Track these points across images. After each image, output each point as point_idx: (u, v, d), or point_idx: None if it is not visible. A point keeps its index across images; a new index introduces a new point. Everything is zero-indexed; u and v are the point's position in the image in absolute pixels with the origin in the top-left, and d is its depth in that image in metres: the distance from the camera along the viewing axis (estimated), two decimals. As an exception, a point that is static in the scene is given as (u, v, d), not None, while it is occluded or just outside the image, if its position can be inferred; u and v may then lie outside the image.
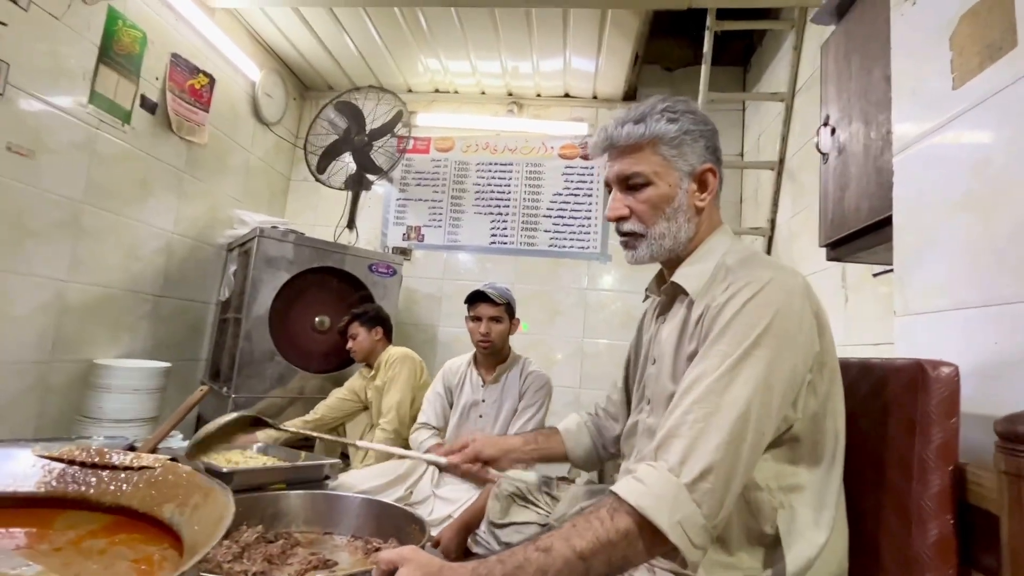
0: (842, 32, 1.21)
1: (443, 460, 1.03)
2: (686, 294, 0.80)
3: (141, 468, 0.80)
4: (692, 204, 0.83)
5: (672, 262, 0.86)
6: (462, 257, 3.21)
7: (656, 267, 0.92)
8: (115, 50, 2.07)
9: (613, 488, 0.62)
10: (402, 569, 0.60)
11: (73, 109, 1.94)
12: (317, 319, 2.50)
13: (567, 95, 3.25)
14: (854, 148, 1.10)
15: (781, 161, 2.31)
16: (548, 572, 0.57)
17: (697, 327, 0.75)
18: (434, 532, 1.39)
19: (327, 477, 1.47)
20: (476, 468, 1.03)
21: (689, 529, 0.58)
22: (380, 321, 2.25)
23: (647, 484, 0.60)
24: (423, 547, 0.97)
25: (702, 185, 0.83)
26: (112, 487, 0.78)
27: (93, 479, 0.78)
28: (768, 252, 2.41)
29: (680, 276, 0.82)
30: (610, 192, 0.87)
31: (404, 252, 3.17)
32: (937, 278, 0.81)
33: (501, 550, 1.06)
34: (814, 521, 0.69)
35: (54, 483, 0.78)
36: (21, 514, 0.73)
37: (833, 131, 1.19)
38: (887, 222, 0.95)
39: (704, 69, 2.32)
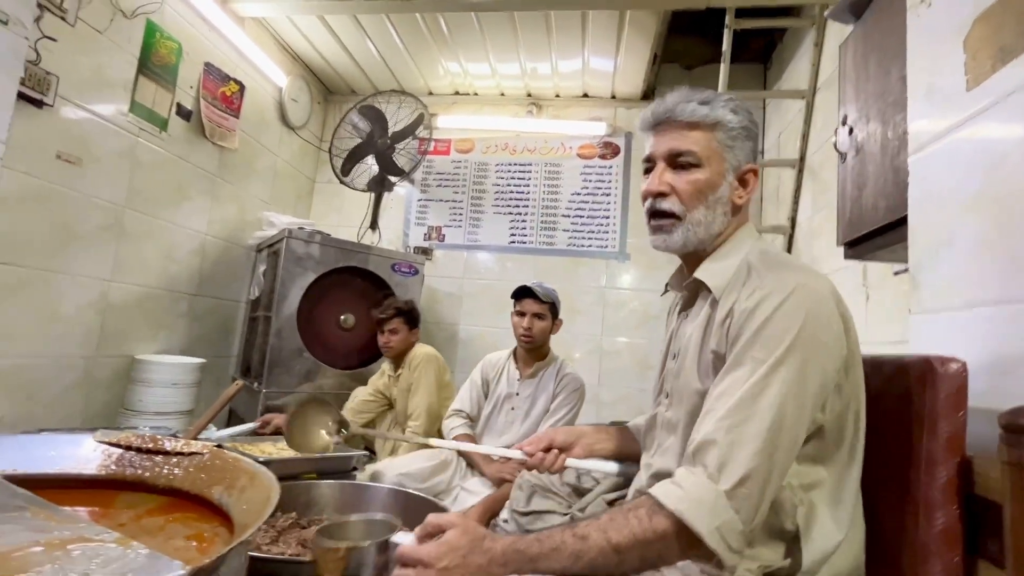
0: (860, 32, 1.22)
1: (518, 454, 0.97)
2: (709, 291, 0.80)
3: (191, 454, 0.86)
4: (731, 199, 0.82)
5: (696, 256, 0.84)
6: (482, 256, 3.27)
7: (675, 262, 0.91)
8: (153, 61, 2.17)
9: (652, 491, 0.63)
10: (450, 531, 0.64)
11: (115, 118, 2.05)
12: (342, 317, 2.58)
13: (585, 95, 3.27)
14: (871, 148, 1.11)
15: (802, 159, 2.30)
16: (582, 558, 0.60)
17: (722, 327, 0.74)
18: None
19: (355, 468, 1.54)
20: (552, 457, 0.96)
21: (727, 535, 0.60)
22: (418, 322, 2.27)
23: (685, 489, 0.62)
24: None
25: (743, 183, 0.83)
26: (165, 471, 0.84)
27: (148, 463, 0.85)
28: (788, 250, 2.40)
29: (704, 272, 0.81)
30: (647, 172, 0.85)
31: (425, 252, 3.24)
32: (951, 277, 0.83)
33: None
34: (832, 517, 0.70)
35: (113, 466, 0.85)
36: (85, 494, 0.80)
37: (851, 131, 1.20)
38: (904, 221, 0.96)
39: (723, 67, 2.32)
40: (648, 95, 3.17)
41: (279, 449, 1.68)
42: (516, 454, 0.97)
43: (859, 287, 1.72)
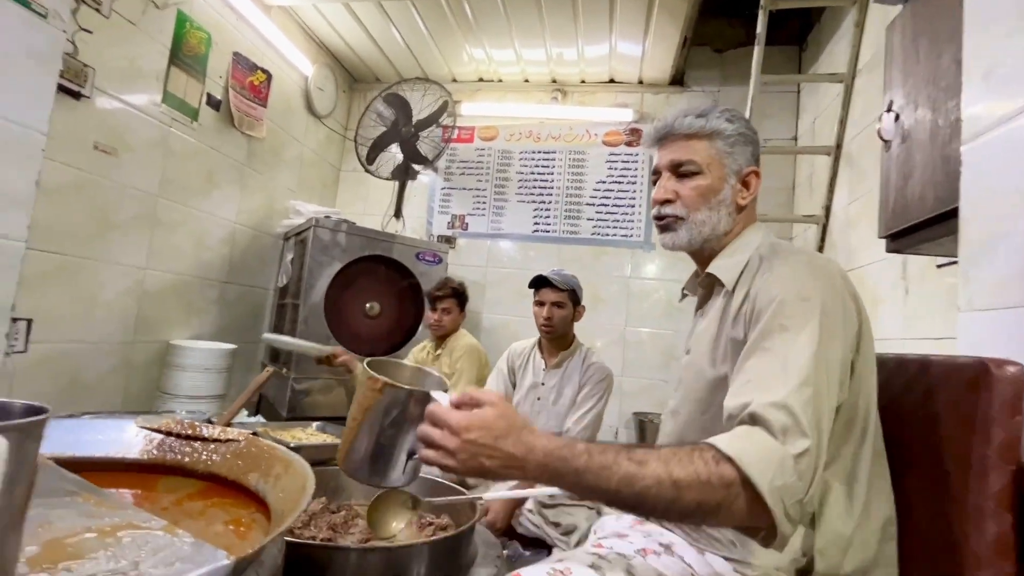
0: (909, 13, 1.16)
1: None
2: (722, 285, 0.84)
3: (227, 441, 0.89)
4: (735, 200, 0.87)
5: (706, 255, 0.89)
6: (505, 245, 3.26)
7: (691, 267, 0.96)
8: (184, 51, 2.20)
9: (713, 440, 0.61)
10: (487, 408, 0.63)
11: (148, 109, 2.09)
12: (368, 305, 2.61)
13: (612, 80, 3.20)
14: (919, 135, 1.06)
15: (839, 146, 2.21)
16: (635, 484, 0.58)
17: (740, 313, 0.77)
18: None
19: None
20: None
21: (787, 498, 0.58)
22: (466, 304, 2.28)
23: (752, 442, 0.59)
24: (474, 525, 1.02)
25: (745, 185, 0.88)
26: (203, 456, 0.87)
27: (187, 449, 0.88)
28: (822, 241, 2.32)
29: (715, 267, 0.86)
30: (654, 183, 0.92)
31: (449, 240, 3.24)
32: (1006, 273, 0.79)
33: (549, 529, 1.10)
34: (846, 495, 0.70)
35: (155, 451, 0.88)
36: (129, 477, 0.83)
37: (897, 117, 1.14)
38: (953, 213, 0.91)
39: (757, 50, 2.23)
40: (677, 80, 3.08)
41: (308, 435, 1.72)
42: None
43: (897, 281, 1.66)
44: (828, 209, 2.29)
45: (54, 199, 1.78)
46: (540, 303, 1.89)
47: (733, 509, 0.58)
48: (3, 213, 1.33)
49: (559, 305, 1.87)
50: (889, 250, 1.18)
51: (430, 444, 0.64)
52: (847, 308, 0.72)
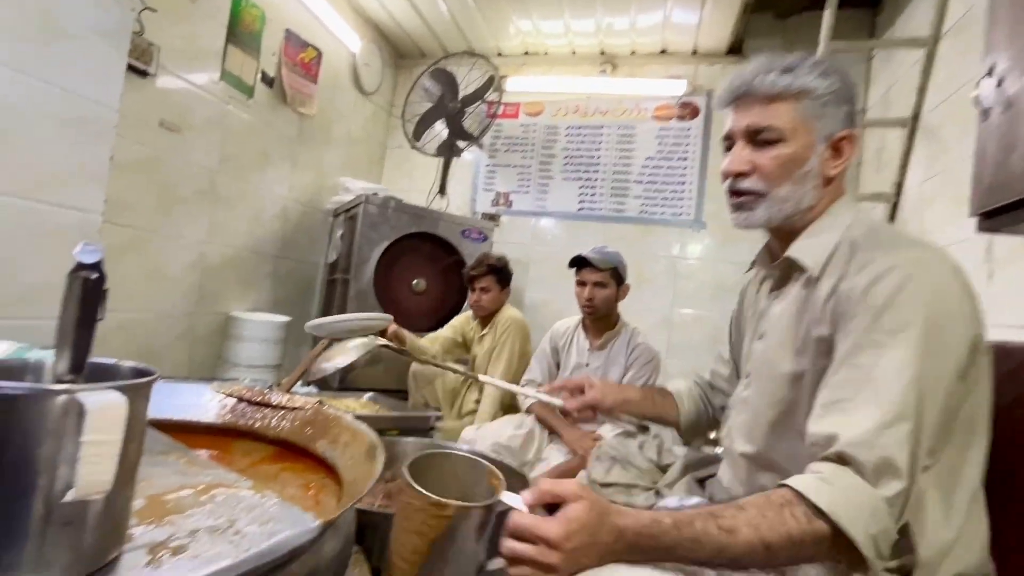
0: (1020, -37, 1.03)
1: (558, 401, 1.02)
2: (803, 270, 0.75)
3: (295, 409, 0.92)
4: (823, 171, 0.76)
5: (785, 232, 0.79)
6: (550, 223, 3.22)
7: (746, 244, 0.88)
8: (240, 29, 2.24)
9: (802, 489, 0.58)
10: (575, 505, 0.56)
11: (208, 86, 2.15)
12: (414, 281, 2.64)
13: (664, 51, 3.06)
14: (1026, 102, 0.95)
15: (915, 117, 2.05)
16: (726, 553, 0.57)
17: (824, 308, 0.69)
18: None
19: (432, 428, 1.60)
20: (588, 415, 1.03)
21: (882, 542, 0.56)
22: (510, 279, 2.16)
23: (841, 490, 0.57)
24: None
25: (837, 152, 0.76)
26: (274, 423, 0.90)
27: (259, 415, 0.91)
28: (891, 220, 2.18)
29: (797, 250, 0.76)
30: (728, 150, 0.80)
31: (493, 218, 3.23)
32: None
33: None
34: (942, 500, 0.65)
35: (229, 415, 0.92)
36: (205, 439, 0.87)
37: (1000, 82, 1.03)
38: (1066, 189, 0.82)
39: (827, 14, 2.08)
40: (735, 49, 2.92)
41: (361, 405, 1.77)
42: (556, 402, 1.03)
43: (980, 264, 1.53)
44: (899, 186, 2.14)
45: (126, 175, 1.86)
46: (581, 283, 1.85)
47: (822, 555, 0.58)
48: (82, 188, 1.40)
49: (601, 285, 1.82)
50: (982, 229, 1.08)
51: (524, 562, 0.55)
52: (962, 314, 0.63)
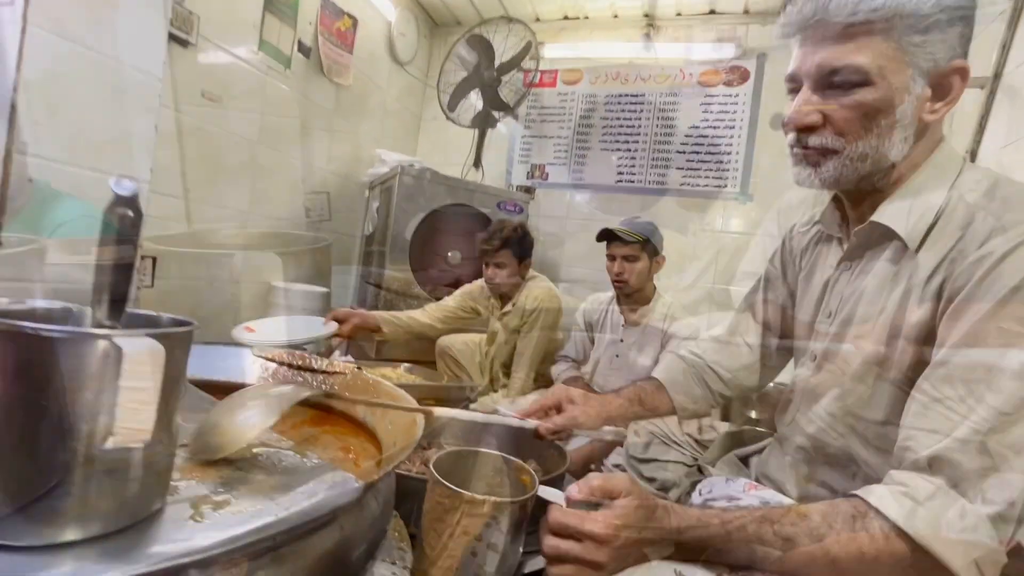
0: None
1: (532, 424, 0.89)
2: (891, 239, 0.63)
3: (335, 373, 0.91)
4: (918, 116, 0.60)
5: (861, 192, 0.66)
6: (587, 197, 3.13)
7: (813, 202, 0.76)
8: (276, -3, 2.22)
9: (880, 506, 0.51)
10: (625, 500, 0.53)
11: (247, 57, 2.15)
12: (449, 253, 2.63)
13: (712, 11, 2.88)
14: None
15: (996, 77, 1.86)
16: (782, 562, 0.52)
17: (927, 288, 0.58)
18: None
19: (469, 399, 1.60)
20: (561, 438, 0.93)
21: (986, 566, 0.48)
22: (530, 250, 1.96)
23: (929, 509, 0.49)
24: (563, 475, 1.00)
25: (941, 91, 0.60)
26: (314, 386, 0.90)
27: (299, 378, 0.92)
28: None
29: (887, 215, 0.62)
30: (791, 92, 0.65)
31: (528, 191, 3.17)
32: None
33: (643, 484, 1.06)
34: None
35: (269, 379, 0.93)
36: (248, 401, 0.88)
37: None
38: None
39: (901, -37, 1.89)
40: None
41: (398, 375, 1.78)
42: (529, 424, 0.89)
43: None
44: (974, 153, 1.96)
45: (171, 144, 1.90)
46: (611, 257, 1.76)
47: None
48: (129, 156, 1.43)
49: (631, 259, 1.73)
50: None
51: (568, 560, 0.52)
52: None
